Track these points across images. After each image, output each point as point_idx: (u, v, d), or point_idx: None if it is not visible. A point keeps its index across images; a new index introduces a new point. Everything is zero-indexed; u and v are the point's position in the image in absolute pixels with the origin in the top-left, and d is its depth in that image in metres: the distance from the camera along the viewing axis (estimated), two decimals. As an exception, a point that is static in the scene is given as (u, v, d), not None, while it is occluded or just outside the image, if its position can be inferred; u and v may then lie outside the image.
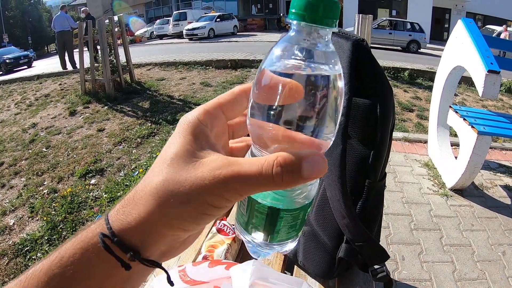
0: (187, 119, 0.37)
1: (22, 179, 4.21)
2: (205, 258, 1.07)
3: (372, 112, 0.91)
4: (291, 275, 1.12)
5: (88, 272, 0.32)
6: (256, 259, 0.54)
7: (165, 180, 0.32)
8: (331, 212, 0.91)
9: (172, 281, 0.39)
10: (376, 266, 0.91)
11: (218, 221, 1.21)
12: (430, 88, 4.24)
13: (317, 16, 0.31)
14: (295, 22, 0.33)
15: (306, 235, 1.03)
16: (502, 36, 14.25)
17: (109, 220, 0.33)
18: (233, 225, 1.20)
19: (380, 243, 2.62)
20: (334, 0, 0.32)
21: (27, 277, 0.33)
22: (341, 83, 0.33)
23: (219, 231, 1.18)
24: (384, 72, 0.94)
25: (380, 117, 0.91)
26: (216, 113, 0.39)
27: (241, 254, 1.19)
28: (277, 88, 0.32)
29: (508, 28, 16.78)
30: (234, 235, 1.16)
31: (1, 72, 17.35)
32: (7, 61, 17.94)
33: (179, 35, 22.94)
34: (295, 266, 1.13)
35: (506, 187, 3.63)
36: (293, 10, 0.32)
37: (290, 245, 0.44)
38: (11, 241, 3.07)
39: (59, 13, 10.88)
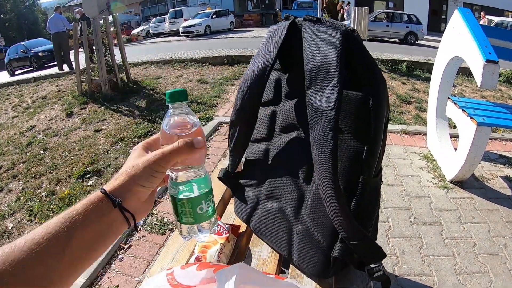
0: (138, 145, 0.68)
1: (20, 182, 4.19)
2: (197, 259, 1.04)
3: (364, 105, 0.88)
4: (287, 275, 1.10)
5: (86, 217, 0.54)
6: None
7: (130, 165, 0.62)
8: (325, 210, 0.88)
9: (137, 225, 0.86)
10: (372, 265, 0.88)
11: None
12: (428, 80, 4.22)
13: (173, 99, 0.64)
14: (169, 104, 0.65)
15: (300, 233, 1.00)
16: (480, 23, 14.24)
17: (104, 188, 0.59)
18: (227, 224, 1.18)
19: (380, 237, 2.61)
20: (181, 90, 0.64)
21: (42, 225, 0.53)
22: (197, 122, 0.66)
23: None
24: (376, 63, 0.90)
25: (373, 110, 0.87)
26: (151, 143, 0.69)
27: (235, 254, 1.16)
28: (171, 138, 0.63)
29: (487, 16, 16.84)
30: (227, 235, 1.13)
31: (31, 68, 15.88)
32: (40, 54, 15.74)
33: (176, 33, 22.91)
34: (291, 266, 1.10)
35: (506, 178, 3.61)
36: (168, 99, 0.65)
37: (201, 235, 0.71)
38: (10, 245, 3.04)
39: (53, 14, 10.86)
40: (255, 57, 1.09)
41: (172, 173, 0.67)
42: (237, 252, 1.17)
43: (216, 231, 1.13)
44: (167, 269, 0.81)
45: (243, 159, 1.23)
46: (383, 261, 0.90)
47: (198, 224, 0.69)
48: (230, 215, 1.37)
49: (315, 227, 0.96)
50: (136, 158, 0.63)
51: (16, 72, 16.17)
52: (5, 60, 16.77)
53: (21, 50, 16.33)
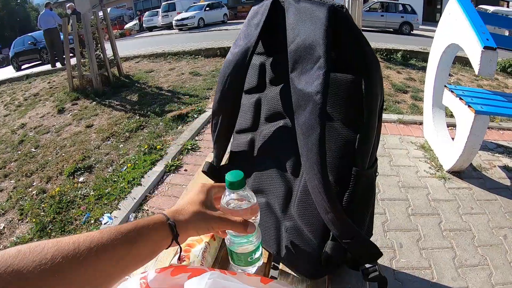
0: (206, 185, 0.79)
1: (11, 181, 4.13)
2: (181, 259, 0.97)
3: (356, 89, 0.80)
4: (277, 266, 1.03)
5: (144, 236, 0.62)
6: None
7: (197, 211, 0.72)
8: (315, 206, 0.80)
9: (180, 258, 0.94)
10: (367, 265, 0.81)
11: None
12: (424, 69, 4.17)
13: (233, 187, 0.75)
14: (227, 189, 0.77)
15: (289, 231, 0.92)
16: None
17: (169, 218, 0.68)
18: None
19: (376, 230, 2.57)
20: (239, 179, 0.75)
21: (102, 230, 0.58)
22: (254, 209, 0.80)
23: None
24: (368, 42, 0.82)
25: (365, 94, 0.79)
26: (217, 192, 0.80)
27: (221, 253, 1.09)
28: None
29: (482, 6, 16.71)
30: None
31: (40, 62, 14.81)
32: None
33: (169, 26, 22.80)
34: (281, 266, 1.03)
35: (505, 168, 3.56)
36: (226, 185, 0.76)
37: (251, 269, 0.90)
38: (1, 246, 3.01)
39: (44, 10, 10.72)
40: (236, 40, 1.01)
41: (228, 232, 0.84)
42: (224, 250, 1.10)
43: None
44: (141, 272, 0.75)
45: (228, 151, 1.16)
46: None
47: (248, 267, 0.89)
48: (217, 212, 1.29)
49: (304, 224, 0.88)
50: (202, 204, 0.74)
51: (23, 67, 15.16)
52: (10, 54, 15.69)
53: (29, 42, 15.28)
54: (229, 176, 0.75)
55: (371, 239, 0.87)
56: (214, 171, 1.14)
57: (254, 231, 0.77)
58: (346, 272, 1.00)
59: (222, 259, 1.07)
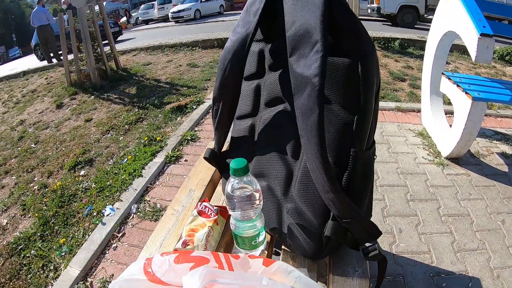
0: None
1: (12, 177, 4.13)
2: (184, 243, 0.99)
3: (353, 72, 0.82)
4: (279, 251, 1.06)
5: None
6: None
7: None
8: (315, 187, 0.82)
9: None
10: (367, 244, 0.83)
11: (199, 203, 1.13)
12: (421, 57, 4.19)
13: (237, 174, 0.78)
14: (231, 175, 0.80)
15: (291, 213, 0.94)
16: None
17: None
18: (215, 206, 1.12)
19: (376, 215, 2.59)
20: (242, 166, 0.78)
21: None
22: (257, 193, 0.83)
23: (200, 213, 1.10)
24: (363, 26, 0.84)
25: (362, 77, 0.81)
26: None
27: (224, 237, 1.11)
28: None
29: None
30: (216, 217, 1.07)
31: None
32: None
33: (165, 19, 22.66)
34: (283, 247, 1.05)
35: (503, 155, 3.58)
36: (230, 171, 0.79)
37: (255, 252, 0.95)
38: (5, 241, 3.02)
39: (36, 7, 10.63)
40: (235, 27, 1.03)
41: (234, 216, 0.88)
42: (227, 234, 1.12)
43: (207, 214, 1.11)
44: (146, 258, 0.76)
45: (229, 138, 1.17)
46: (380, 240, 0.84)
47: (252, 250, 0.95)
48: (220, 197, 1.32)
49: (305, 205, 0.90)
50: None
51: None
52: (32, 42, 14.58)
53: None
54: (233, 164, 0.78)
55: (370, 220, 0.89)
56: (216, 157, 1.16)
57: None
58: (347, 253, 1.02)
59: (226, 243, 1.10)
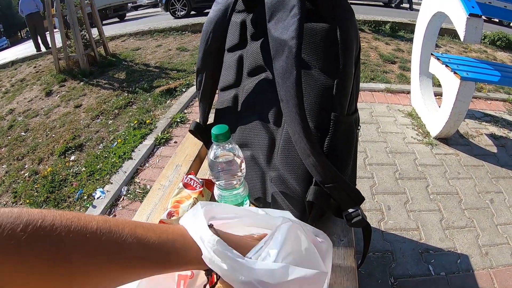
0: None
1: (3, 166, 4.10)
2: (169, 214, 0.99)
3: (331, 36, 0.82)
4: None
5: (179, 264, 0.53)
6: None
7: None
8: (297, 152, 0.82)
9: None
10: (350, 210, 0.83)
11: (185, 176, 1.13)
12: (412, 41, 4.21)
13: (218, 139, 0.78)
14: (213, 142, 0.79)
15: (274, 181, 0.95)
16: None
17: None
18: (201, 179, 1.12)
19: (364, 193, 2.61)
20: (223, 131, 0.77)
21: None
22: (238, 160, 0.83)
23: (186, 185, 1.10)
24: None
25: (341, 41, 0.81)
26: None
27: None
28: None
29: None
30: (201, 189, 1.08)
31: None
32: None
33: (155, 5, 22.39)
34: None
35: (491, 136, 3.62)
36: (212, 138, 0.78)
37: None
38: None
39: None
40: None
41: (218, 184, 0.87)
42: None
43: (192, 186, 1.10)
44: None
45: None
46: (368, 217, 0.85)
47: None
48: (206, 171, 1.32)
49: (288, 172, 0.91)
50: None
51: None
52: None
53: None
54: (215, 130, 0.77)
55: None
56: (201, 130, 1.16)
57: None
58: (332, 222, 1.03)
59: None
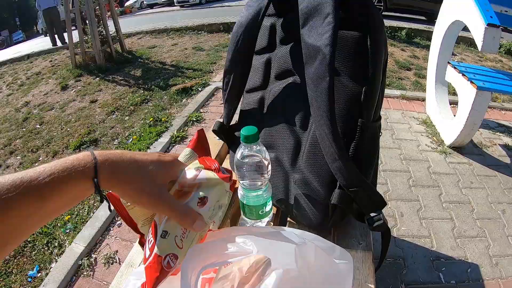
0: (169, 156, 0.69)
1: (17, 157, 4.17)
2: None
3: (361, 45, 0.84)
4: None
5: (62, 190, 0.51)
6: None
7: (151, 175, 0.61)
8: (323, 157, 0.85)
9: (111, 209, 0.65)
10: (372, 214, 0.84)
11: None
12: (428, 47, 4.20)
13: (248, 141, 0.78)
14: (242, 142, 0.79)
15: (298, 183, 0.96)
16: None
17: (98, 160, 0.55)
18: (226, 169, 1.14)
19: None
20: (253, 133, 0.77)
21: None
22: (266, 161, 0.83)
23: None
24: (373, 2, 0.85)
25: (371, 49, 0.84)
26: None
27: (231, 209, 1.12)
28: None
29: None
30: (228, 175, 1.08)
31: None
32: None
33: (170, 3, 22.44)
34: (288, 222, 1.08)
35: (505, 146, 3.60)
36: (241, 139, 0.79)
37: (260, 224, 0.97)
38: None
39: None
40: (248, 2, 1.05)
41: (242, 184, 0.88)
42: (233, 207, 1.14)
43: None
44: None
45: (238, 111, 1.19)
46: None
47: (259, 220, 0.96)
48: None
49: (312, 175, 0.92)
50: (159, 179, 0.62)
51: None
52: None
53: None
54: (244, 131, 0.78)
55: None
56: (224, 130, 1.18)
57: (202, 229, 0.68)
58: (351, 226, 1.04)
59: (232, 215, 1.11)
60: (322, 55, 0.77)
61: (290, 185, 1.00)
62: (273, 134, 1.04)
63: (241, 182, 0.89)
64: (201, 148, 0.84)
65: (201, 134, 0.86)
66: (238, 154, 0.83)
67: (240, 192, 0.92)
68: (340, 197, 0.87)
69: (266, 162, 0.84)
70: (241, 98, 1.15)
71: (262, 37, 1.08)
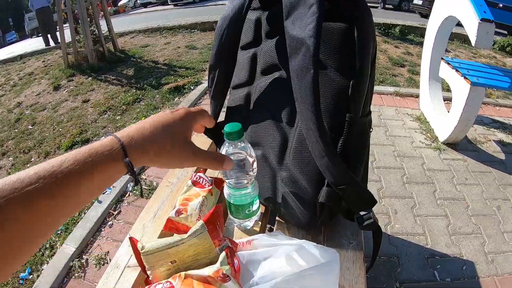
0: (188, 113, 0.66)
1: (9, 158, 4.13)
2: (178, 212, 0.99)
3: (348, 36, 0.81)
4: (273, 227, 1.05)
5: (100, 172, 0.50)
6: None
7: (173, 139, 0.60)
8: (310, 153, 0.81)
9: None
10: (362, 213, 0.81)
11: (194, 174, 1.12)
12: (421, 44, 4.20)
13: (232, 137, 0.76)
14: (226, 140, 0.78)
15: (285, 181, 0.93)
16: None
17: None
18: (210, 177, 1.12)
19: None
20: (237, 130, 0.75)
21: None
22: (251, 159, 0.82)
23: (195, 183, 1.09)
24: None
25: (358, 41, 0.80)
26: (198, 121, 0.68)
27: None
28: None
29: None
30: (210, 187, 1.07)
31: None
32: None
33: (164, 2, 22.39)
34: (277, 221, 1.05)
35: (500, 142, 3.60)
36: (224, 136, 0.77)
37: (248, 223, 0.98)
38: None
39: None
40: None
41: (228, 183, 0.87)
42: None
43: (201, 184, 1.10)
44: None
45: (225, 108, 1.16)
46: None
47: (246, 220, 0.96)
48: (215, 170, 1.31)
49: (299, 173, 0.90)
50: (182, 135, 0.62)
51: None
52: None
53: None
54: (228, 127, 0.76)
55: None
56: (211, 128, 1.14)
57: (232, 167, 0.72)
58: (341, 225, 1.02)
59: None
60: (306, 47, 0.74)
61: (278, 183, 0.97)
62: (260, 131, 1.01)
63: (226, 180, 0.87)
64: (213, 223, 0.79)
65: (218, 209, 0.82)
66: (222, 152, 0.80)
67: (226, 191, 0.90)
68: (328, 195, 0.84)
69: (251, 160, 0.82)
70: (227, 95, 1.12)
71: (248, 31, 1.05)
